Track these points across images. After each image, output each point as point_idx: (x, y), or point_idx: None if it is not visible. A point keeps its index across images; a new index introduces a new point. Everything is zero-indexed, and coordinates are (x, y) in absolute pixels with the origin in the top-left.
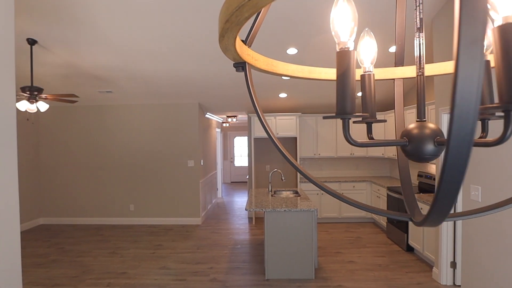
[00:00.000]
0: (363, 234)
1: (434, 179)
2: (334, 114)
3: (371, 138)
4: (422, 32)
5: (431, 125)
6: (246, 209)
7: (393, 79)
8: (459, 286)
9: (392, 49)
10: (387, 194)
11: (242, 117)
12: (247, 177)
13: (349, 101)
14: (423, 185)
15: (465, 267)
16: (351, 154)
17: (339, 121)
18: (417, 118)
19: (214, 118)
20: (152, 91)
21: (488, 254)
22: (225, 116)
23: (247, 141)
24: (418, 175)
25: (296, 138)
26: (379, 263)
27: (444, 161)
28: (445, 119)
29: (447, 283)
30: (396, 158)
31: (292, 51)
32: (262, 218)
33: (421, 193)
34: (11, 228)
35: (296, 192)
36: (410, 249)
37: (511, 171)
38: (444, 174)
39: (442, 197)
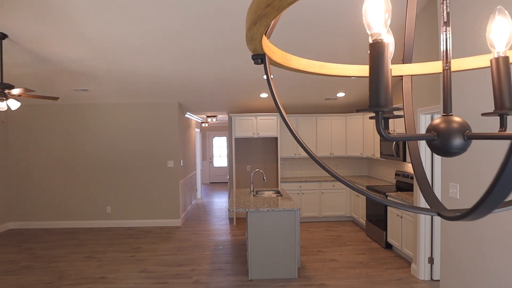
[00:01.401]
0: (343, 232)
1: (411, 177)
2: (366, 108)
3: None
4: (449, 26)
5: (459, 119)
6: (229, 210)
7: (401, 76)
8: (437, 281)
9: None
10: None
11: (221, 117)
12: (228, 177)
13: (383, 93)
14: (401, 183)
15: (442, 262)
16: (330, 154)
17: (319, 121)
18: (443, 113)
19: (194, 118)
20: (130, 90)
21: (464, 249)
22: (204, 116)
23: (226, 142)
24: (396, 174)
25: (277, 138)
26: (359, 260)
27: (507, 154)
28: (422, 119)
29: (425, 278)
30: (374, 158)
31: None
32: (243, 219)
33: (398, 192)
34: None
35: (278, 192)
36: (389, 246)
37: (488, 168)
38: (506, 168)
39: (498, 191)
